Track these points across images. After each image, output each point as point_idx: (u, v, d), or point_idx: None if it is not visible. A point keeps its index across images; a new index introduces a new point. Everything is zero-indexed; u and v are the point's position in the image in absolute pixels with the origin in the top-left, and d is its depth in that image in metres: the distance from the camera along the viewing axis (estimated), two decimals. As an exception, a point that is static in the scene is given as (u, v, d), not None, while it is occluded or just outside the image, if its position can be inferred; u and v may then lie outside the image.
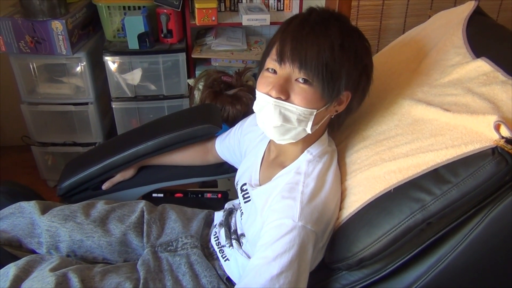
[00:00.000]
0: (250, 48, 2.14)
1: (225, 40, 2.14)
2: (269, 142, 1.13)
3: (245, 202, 1.11)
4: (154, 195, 1.53)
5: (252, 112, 1.04)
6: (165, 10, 1.97)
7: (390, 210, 0.85)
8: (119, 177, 1.41)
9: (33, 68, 2.05)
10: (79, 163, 1.43)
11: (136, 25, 1.90)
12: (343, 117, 1.02)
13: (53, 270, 1.04)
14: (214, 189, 1.70)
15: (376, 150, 0.96)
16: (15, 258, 1.14)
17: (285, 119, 0.92)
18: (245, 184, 1.13)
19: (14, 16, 1.90)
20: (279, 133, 0.95)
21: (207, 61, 2.14)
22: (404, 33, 1.22)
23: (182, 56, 2.03)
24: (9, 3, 2.04)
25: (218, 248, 1.16)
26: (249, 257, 1.08)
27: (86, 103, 2.12)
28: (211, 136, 1.39)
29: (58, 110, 2.11)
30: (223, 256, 1.14)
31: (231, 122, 1.73)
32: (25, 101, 2.10)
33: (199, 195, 1.60)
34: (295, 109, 0.91)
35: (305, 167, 0.98)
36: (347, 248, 0.91)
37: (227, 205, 1.27)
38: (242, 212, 1.12)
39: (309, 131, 0.94)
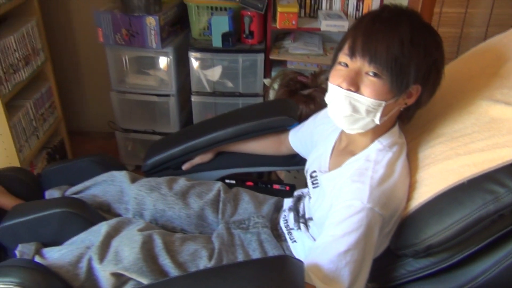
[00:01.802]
0: (326, 53, 2.22)
1: (302, 44, 2.23)
2: (340, 132, 1.19)
3: (313, 188, 1.18)
4: (227, 181, 1.62)
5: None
6: (249, 13, 2.09)
7: (462, 201, 0.89)
8: (198, 160, 1.53)
9: (125, 59, 2.25)
10: (164, 144, 1.57)
11: (221, 24, 2.04)
12: (413, 110, 1.06)
13: (140, 230, 1.16)
14: (282, 181, 1.78)
15: (451, 145, 1.00)
16: (104, 220, 1.28)
17: (355, 109, 0.98)
18: (314, 171, 1.20)
19: (113, 10, 2.10)
20: (348, 123, 1.01)
21: (282, 63, 2.24)
22: (487, 40, 1.24)
23: (260, 57, 2.14)
24: (109, -1, 2.26)
25: (287, 230, 1.24)
26: (315, 239, 1.14)
27: (168, 95, 2.28)
28: (286, 128, 1.48)
29: (143, 99, 2.29)
30: (291, 238, 1.21)
31: (304, 120, 1.80)
32: (115, 89, 2.30)
33: (268, 186, 1.68)
34: (364, 100, 0.96)
35: (375, 155, 1.03)
36: (416, 234, 0.95)
37: (296, 193, 1.35)
38: (310, 197, 1.19)
39: (377, 121, 0.99)
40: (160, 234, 1.16)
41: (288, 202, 1.33)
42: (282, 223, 1.27)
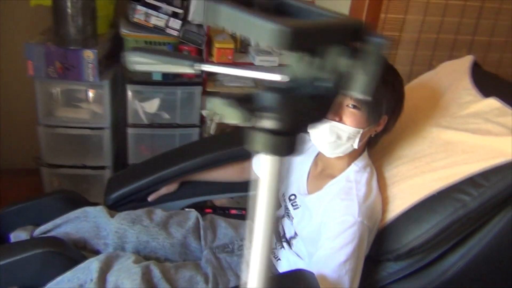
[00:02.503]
0: (257, 86, 2.38)
1: (234, 78, 2.37)
2: (315, 158, 1.34)
3: (294, 209, 1.31)
4: (186, 209, 1.68)
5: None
6: (186, 47, 2.18)
7: (436, 209, 1.09)
8: (164, 190, 1.57)
9: (56, 93, 2.17)
10: (127, 177, 1.58)
11: (162, 58, 2.09)
12: (379, 136, 1.26)
13: (135, 262, 1.18)
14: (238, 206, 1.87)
15: (415, 165, 1.21)
16: (84, 257, 1.25)
17: (338, 136, 1.15)
18: (293, 194, 1.33)
19: (46, 43, 2.04)
20: (331, 148, 1.18)
21: (216, 94, 2.35)
22: (420, 76, 1.51)
23: (198, 89, 2.23)
24: (38, 31, 2.17)
25: (269, 250, 1.34)
26: (299, 255, 1.26)
27: (102, 128, 2.24)
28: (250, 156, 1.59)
29: (73, 133, 2.22)
30: (275, 256, 1.32)
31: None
32: (42, 123, 2.19)
33: (226, 211, 1.76)
34: (347, 128, 1.14)
35: (354, 176, 1.20)
36: (397, 240, 1.13)
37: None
38: (292, 218, 1.31)
39: (355, 146, 1.17)
40: (155, 265, 1.18)
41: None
42: (263, 244, 1.36)
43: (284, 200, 1.36)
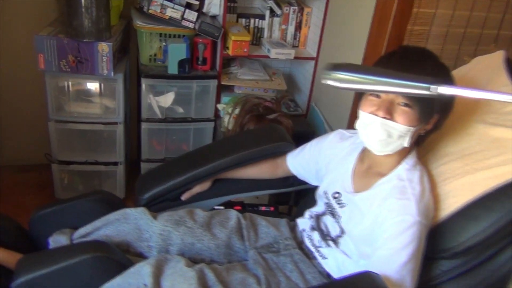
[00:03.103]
0: (272, 78, 2.36)
1: (248, 70, 2.34)
2: (359, 155, 1.33)
3: (341, 207, 1.30)
4: (215, 207, 1.65)
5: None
6: (201, 40, 2.13)
7: (493, 207, 1.09)
8: (197, 189, 1.53)
9: (68, 87, 2.10)
10: (160, 175, 1.54)
11: (179, 52, 2.04)
12: (429, 134, 1.26)
13: (188, 266, 1.15)
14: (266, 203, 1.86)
15: (464, 162, 1.21)
16: (130, 261, 1.22)
17: (389, 134, 1.14)
18: (338, 192, 1.32)
19: (59, 35, 1.96)
20: (381, 146, 1.17)
21: (229, 88, 2.32)
22: (453, 71, 1.51)
23: (214, 83, 2.19)
24: (46, 22, 2.08)
25: (314, 248, 1.33)
26: (347, 254, 1.26)
27: (115, 123, 2.18)
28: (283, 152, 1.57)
29: (85, 128, 2.15)
30: (321, 255, 1.31)
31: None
32: (53, 118, 2.12)
33: (255, 208, 1.75)
34: (398, 126, 1.13)
35: (406, 175, 1.20)
36: (453, 239, 1.13)
37: (309, 213, 1.45)
38: (339, 216, 1.30)
39: (406, 145, 1.16)
40: (207, 267, 1.16)
41: (304, 223, 1.42)
42: (307, 242, 1.35)
43: (326, 198, 1.35)
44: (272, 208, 1.76)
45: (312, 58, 2.32)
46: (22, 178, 2.50)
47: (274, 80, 2.36)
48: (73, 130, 2.16)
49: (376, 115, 1.14)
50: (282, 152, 1.56)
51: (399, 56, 1.18)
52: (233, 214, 1.41)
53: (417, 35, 1.71)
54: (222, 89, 2.30)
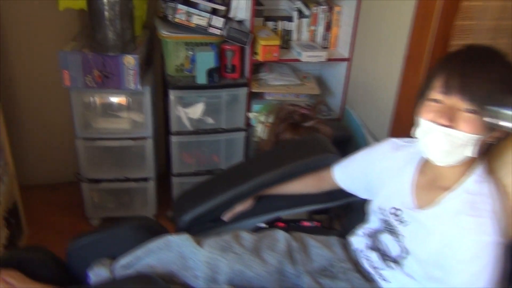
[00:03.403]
0: (303, 82, 2.25)
1: (279, 75, 2.23)
2: (419, 166, 1.21)
3: (403, 226, 1.18)
4: (259, 225, 1.55)
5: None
6: (228, 46, 2.03)
7: None
8: (240, 207, 1.44)
9: (94, 102, 2.02)
10: (198, 195, 1.44)
11: (207, 60, 1.95)
12: (496, 142, 1.14)
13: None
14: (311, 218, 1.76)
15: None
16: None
17: (452, 144, 1.02)
18: (397, 208, 1.21)
19: (82, 50, 1.88)
20: (444, 156, 1.05)
21: (259, 95, 2.22)
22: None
23: (244, 91, 2.09)
24: (69, 36, 2.02)
25: (374, 270, 1.22)
26: (412, 277, 1.14)
27: (144, 138, 2.10)
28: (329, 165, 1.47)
29: (115, 145, 2.08)
30: (382, 278, 1.20)
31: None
32: (80, 136, 2.05)
33: (298, 223, 1.65)
34: (462, 135, 1.01)
35: (476, 188, 1.08)
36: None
37: (362, 230, 1.34)
38: (401, 235, 1.19)
39: (472, 154, 1.04)
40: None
41: (358, 241, 1.31)
42: (365, 264, 1.24)
43: (383, 214, 1.24)
44: (317, 223, 1.65)
45: (345, 59, 2.21)
46: (51, 197, 2.45)
47: (306, 84, 2.25)
48: (101, 147, 2.09)
49: (437, 122, 1.02)
50: (328, 165, 1.45)
51: (462, 58, 1.06)
52: (281, 235, 1.31)
53: (464, 31, 1.58)
54: (252, 96, 2.20)
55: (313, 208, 1.54)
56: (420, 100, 1.10)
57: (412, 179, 1.21)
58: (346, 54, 2.22)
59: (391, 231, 1.21)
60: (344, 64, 2.23)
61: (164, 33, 1.95)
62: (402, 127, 1.80)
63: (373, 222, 1.30)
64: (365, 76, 2.10)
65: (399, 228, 1.19)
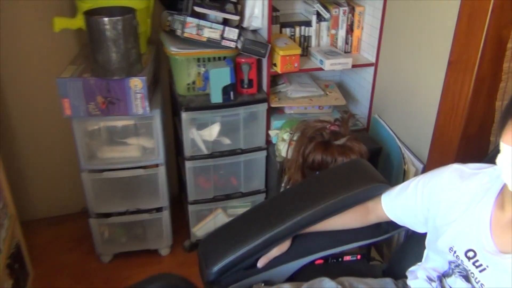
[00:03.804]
0: (326, 92, 2.05)
1: (299, 86, 2.04)
2: (499, 200, 1.01)
3: (480, 271, 0.99)
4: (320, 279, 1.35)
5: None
6: (243, 60, 1.83)
7: None
8: (276, 251, 1.24)
9: (99, 130, 1.83)
10: (227, 240, 1.24)
11: (222, 77, 1.75)
12: None
13: None
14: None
15: None
16: None
17: None
18: (471, 250, 1.01)
19: (83, 75, 1.69)
20: None
21: (278, 109, 2.02)
22: None
23: (263, 107, 1.89)
24: (67, 59, 1.83)
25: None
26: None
27: (156, 165, 1.91)
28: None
29: (125, 175, 1.88)
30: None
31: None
32: (86, 168, 1.85)
33: (340, 259, 1.45)
34: None
35: None
36: None
37: (424, 272, 1.14)
38: (480, 282, 0.99)
39: None
40: None
41: (420, 285, 1.11)
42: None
43: (455, 256, 1.04)
44: (358, 257, 1.46)
45: (370, 64, 2.00)
46: (58, 232, 2.26)
47: (329, 94, 2.05)
48: (109, 179, 1.89)
49: None
50: (375, 195, 1.26)
51: None
52: (328, 285, 1.11)
53: None
54: (270, 111, 2.00)
55: (357, 245, 1.34)
56: (504, 121, 0.90)
57: (490, 216, 1.00)
58: (371, 58, 2.01)
59: (465, 276, 1.01)
60: (370, 69, 2.03)
61: (173, 50, 1.75)
62: (445, 140, 1.60)
63: (435, 261, 1.11)
64: (395, 82, 1.89)
65: (475, 273, 0.99)
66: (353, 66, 1.96)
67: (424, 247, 1.26)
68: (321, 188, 1.28)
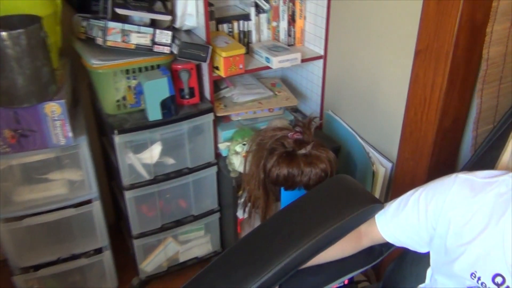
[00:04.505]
0: (275, 93, 1.84)
1: (244, 89, 1.81)
2: None
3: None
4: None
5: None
6: (180, 66, 1.57)
7: None
8: (264, 301, 1.02)
9: (11, 170, 1.47)
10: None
11: (159, 89, 1.47)
12: None
13: None
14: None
15: None
16: None
17: None
18: (499, 275, 0.87)
19: (-19, 106, 1.33)
20: None
21: (224, 117, 1.77)
22: None
23: (209, 117, 1.64)
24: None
25: None
26: None
27: (89, 201, 1.59)
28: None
29: (51, 219, 1.55)
30: None
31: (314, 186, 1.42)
32: (1, 218, 1.50)
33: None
34: None
35: None
36: None
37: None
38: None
39: None
40: None
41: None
42: None
43: (479, 282, 0.89)
44: (346, 282, 1.28)
45: (319, 57, 1.82)
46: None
47: (279, 94, 1.84)
48: (32, 227, 1.55)
49: None
50: (366, 218, 1.08)
51: None
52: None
53: (505, 12, 1.25)
54: (217, 121, 1.75)
55: (353, 275, 1.16)
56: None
57: (511, 237, 0.86)
58: (319, 51, 1.83)
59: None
60: (318, 62, 1.85)
61: (95, 62, 1.43)
62: (419, 135, 1.46)
63: (445, 285, 0.96)
64: (350, 75, 1.73)
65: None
66: (302, 60, 1.77)
67: (424, 266, 1.11)
68: (306, 219, 1.07)
